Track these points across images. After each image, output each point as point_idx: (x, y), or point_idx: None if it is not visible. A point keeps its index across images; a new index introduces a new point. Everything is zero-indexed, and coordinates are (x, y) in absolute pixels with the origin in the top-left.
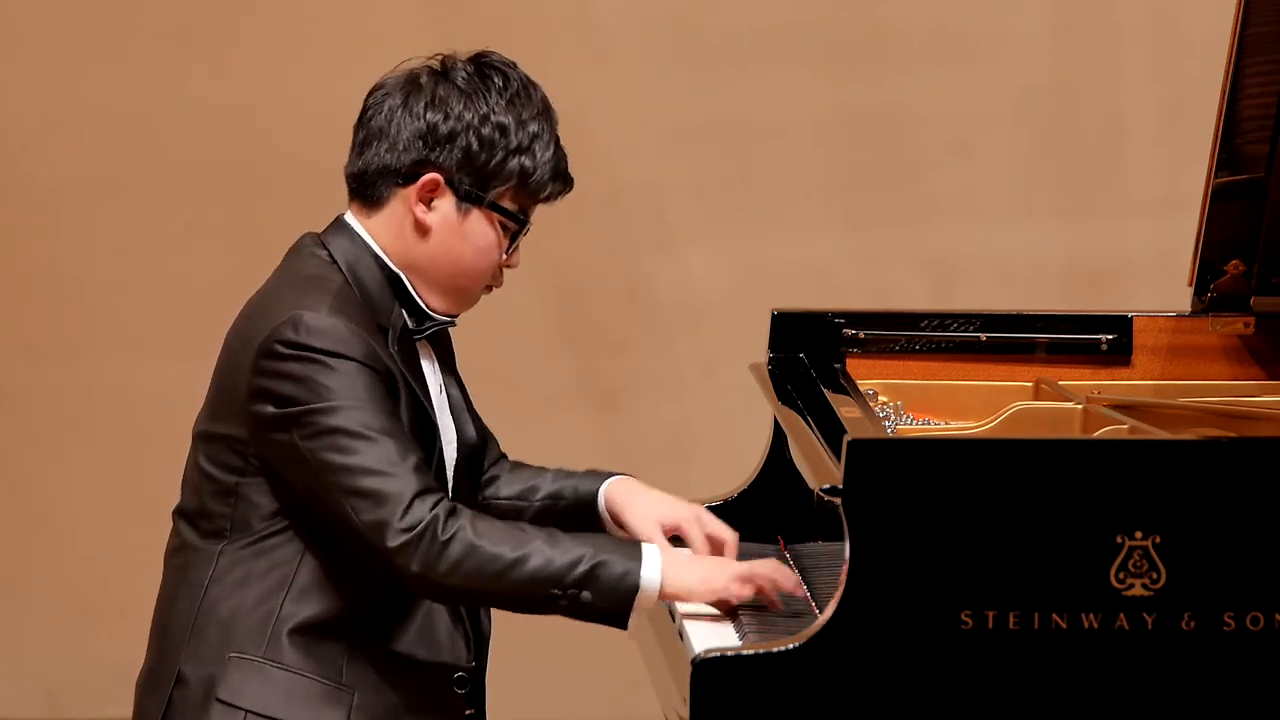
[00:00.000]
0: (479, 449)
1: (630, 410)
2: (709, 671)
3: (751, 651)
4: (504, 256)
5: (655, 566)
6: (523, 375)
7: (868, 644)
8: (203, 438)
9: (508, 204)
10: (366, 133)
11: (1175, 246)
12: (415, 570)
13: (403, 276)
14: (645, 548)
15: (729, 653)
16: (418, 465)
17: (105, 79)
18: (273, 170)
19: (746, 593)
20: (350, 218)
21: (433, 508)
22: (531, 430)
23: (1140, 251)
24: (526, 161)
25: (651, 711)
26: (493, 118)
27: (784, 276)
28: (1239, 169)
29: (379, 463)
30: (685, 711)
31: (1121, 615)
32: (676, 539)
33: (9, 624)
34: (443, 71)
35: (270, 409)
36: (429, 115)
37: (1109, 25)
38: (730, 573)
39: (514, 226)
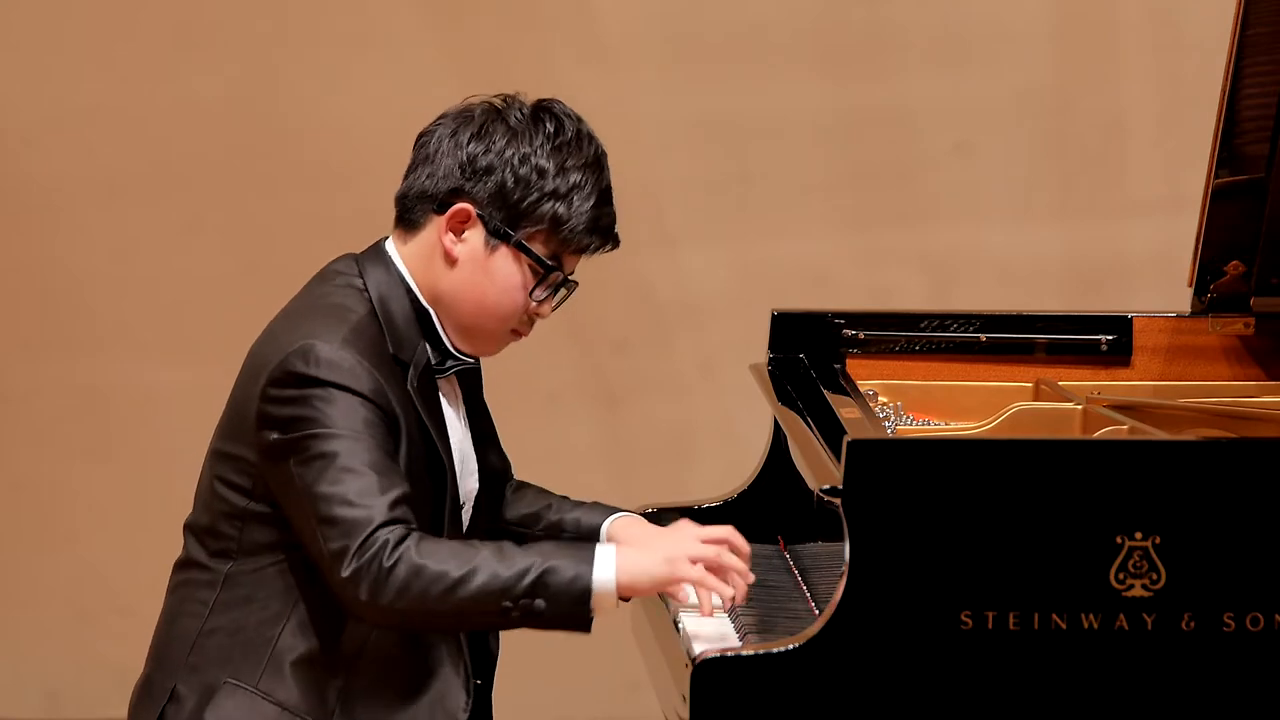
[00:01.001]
0: (500, 479)
1: (630, 410)
2: (709, 672)
3: (751, 651)
4: (532, 303)
5: (609, 566)
6: (523, 375)
7: (868, 644)
8: (217, 455)
9: (537, 247)
10: (415, 157)
11: (1175, 246)
12: (364, 598)
13: (431, 313)
14: (599, 549)
15: (729, 653)
16: (395, 500)
17: (105, 79)
18: (272, 170)
19: (696, 573)
20: (389, 245)
21: (384, 535)
22: (532, 430)
23: (1140, 251)
24: (561, 208)
25: (651, 712)
26: (532, 159)
27: (784, 276)
28: (1239, 169)
29: (357, 495)
30: (685, 712)
31: (1121, 616)
32: None
33: (9, 624)
34: (499, 109)
35: (274, 435)
36: (471, 146)
37: (1109, 25)
38: (685, 551)
39: (542, 271)
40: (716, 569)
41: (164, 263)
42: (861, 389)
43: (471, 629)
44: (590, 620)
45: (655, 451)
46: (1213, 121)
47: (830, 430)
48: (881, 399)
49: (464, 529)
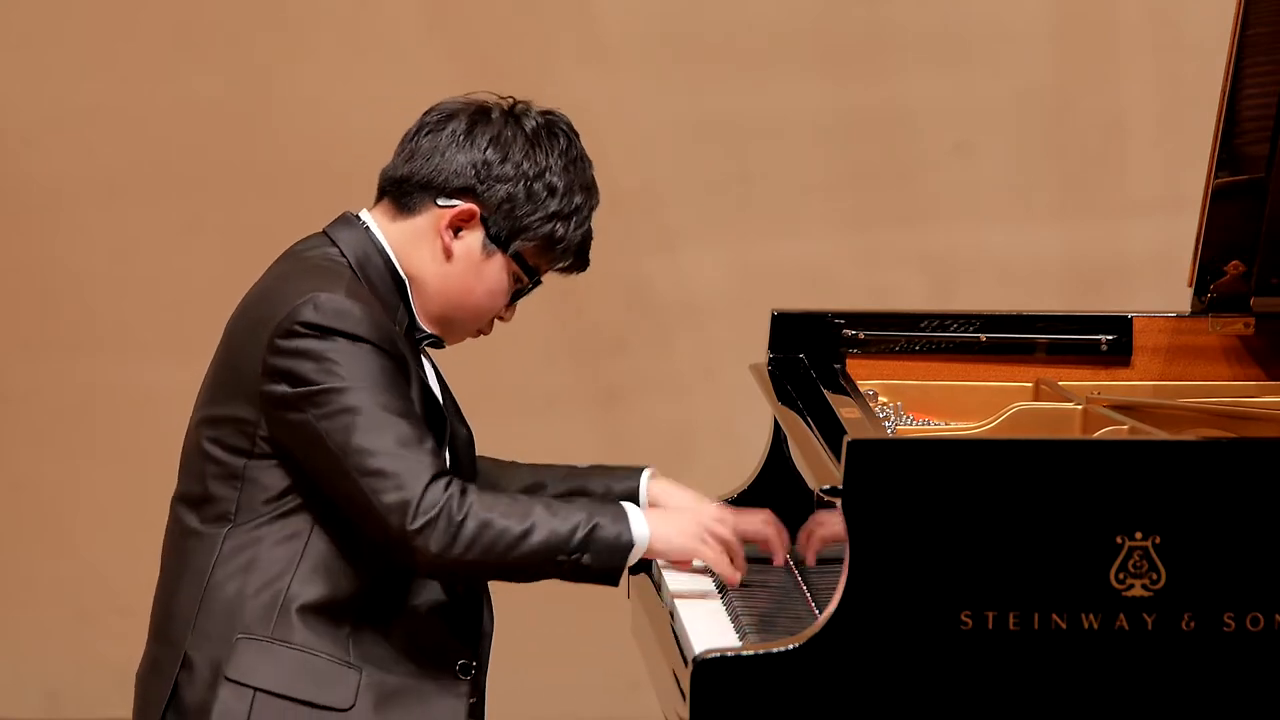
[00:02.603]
0: (469, 448)
1: (630, 410)
2: (709, 671)
3: (751, 651)
4: (502, 307)
5: (642, 523)
6: (523, 375)
7: (868, 644)
8: (206, 422)
9: (528, 259)
10: (419, 144)
11: (1175, 246)
12: (434, 550)
13: (407, 283)
14: (628, 507)
15: (729, 653)
16: (433, 448)
17: (105, 79)
18: (272, 170)
19: (714, 554)
20: (366, 215)
21: (446, 488)
22: (531, 430)
23: (1140, 251)
24: (560, 228)
25: (651, 711)
26: (548, 176)
27: (784, 276)
28: (1239, 169)
29: (397, 444)
30: (685, 712)
31: (1121, 615)
32: None
33: (9, 624)
34: (514, 115)
35: (285, 388)
36: (490, 151)
37: (1109, 25)
38: (706, 527)
39: (525, 282)
40: (732, 554)
41: (164, 263)
42: (861, 389)
43: (519, 580)
44: (621, 575)
45: (655, 451)
46: (1213, 121)
47: (830, 430)
48: (881, 399)
49: None
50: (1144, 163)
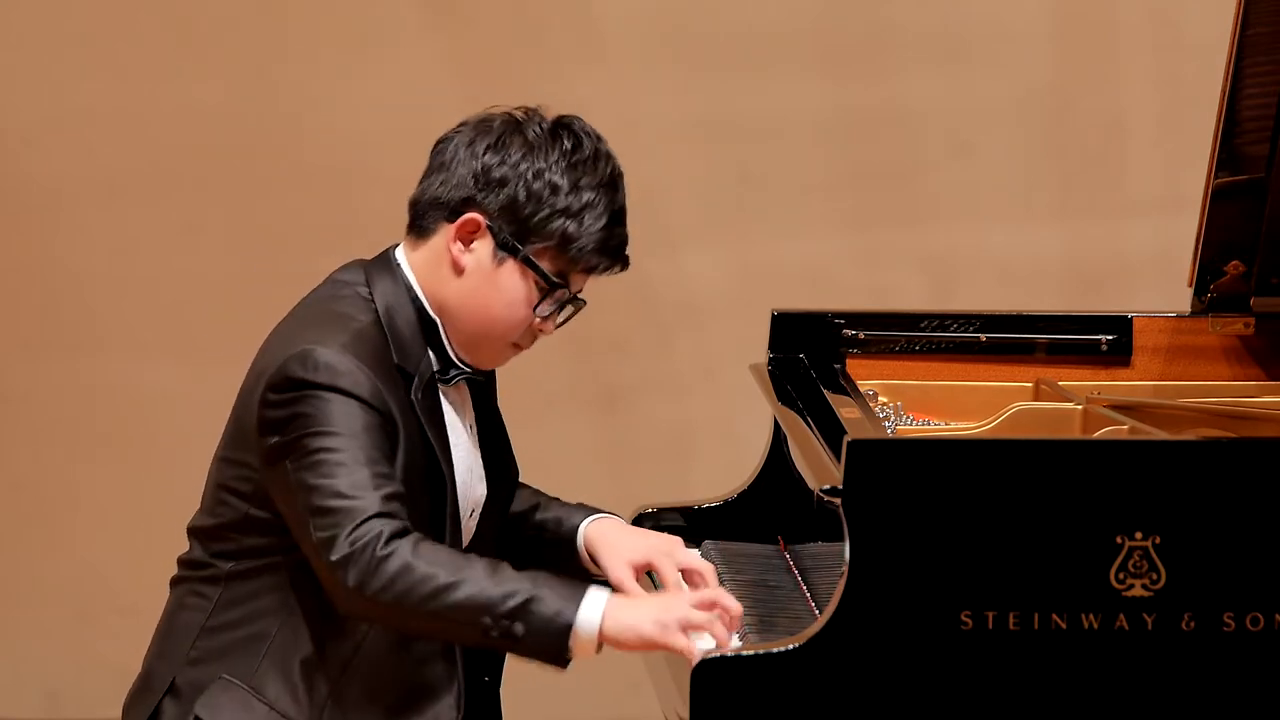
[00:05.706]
0: (508, 487)
1: (630, 410)
2: (709, 672)
3: (751, 652)
4: (536, 318)
5: (596, 609)
6: (522, 375)
7: (868, 644)
8: (221, 462)
9: (545, 264)
10: (432, 164)
11: (1175, 246)
12: (351, 584)
13: (438, 323)
14: (591, 589)
15: (729, 653)
16: (388, 495)
17: (105, 79)
18: (272, 170)
19: (683, 643)
20: (399, 252)
21: (379, 526)
22: (531, 430)
23: (1140, 251)
24: (571, 226)
25: (651, 711)
26: (546, 174)
27: (784, 276)
28: (1239, 169)
29: (350, 487)
30: (685, 712)
31: (1121, 615)
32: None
33: (9, 624)
34: (519, 121)
35: (274, 439)
36: (487, 157)
37: (1109, 25)
38: (677, 616)
39: (547, 288)
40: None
41: (164, 263)
42: (861, 389)
43: (450, 640)
44: (567, 658)
45: (655, 451)
46: (1213, 121)
47: (830, 430)
48: (881, 399)
49: (466, 539)
50: (1144, 163)
